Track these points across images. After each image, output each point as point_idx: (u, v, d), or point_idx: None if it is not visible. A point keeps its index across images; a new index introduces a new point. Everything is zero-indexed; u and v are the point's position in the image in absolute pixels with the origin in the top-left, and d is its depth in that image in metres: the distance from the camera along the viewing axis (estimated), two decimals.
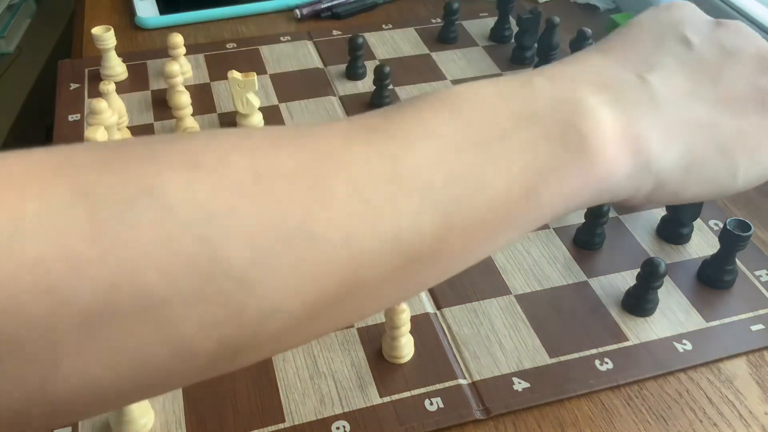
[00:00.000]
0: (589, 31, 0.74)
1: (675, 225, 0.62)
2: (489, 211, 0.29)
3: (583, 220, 0.61)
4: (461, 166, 0.28)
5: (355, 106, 0.78)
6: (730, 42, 0.37)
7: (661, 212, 0.65)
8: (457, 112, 0.30)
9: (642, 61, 0.35)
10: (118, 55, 0.82)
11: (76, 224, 0.21)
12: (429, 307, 0.56)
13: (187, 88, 0.76)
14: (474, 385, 0.51)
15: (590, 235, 0.61)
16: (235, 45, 0.88)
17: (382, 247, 0.26)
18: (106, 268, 0.21)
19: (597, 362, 0.52)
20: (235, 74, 0.69)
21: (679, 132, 0.33)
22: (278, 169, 0.25)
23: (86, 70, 0.83)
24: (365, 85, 0.81)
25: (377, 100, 0.77)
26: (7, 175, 0.21)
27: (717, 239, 0.58)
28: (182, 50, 0.79)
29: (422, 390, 0.50)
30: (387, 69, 0.75)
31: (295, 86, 0.81)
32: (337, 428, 0.48)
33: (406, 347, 0.51)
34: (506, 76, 0.34)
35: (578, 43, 0.74)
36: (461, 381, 0.51)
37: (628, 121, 0.32)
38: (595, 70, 0.34)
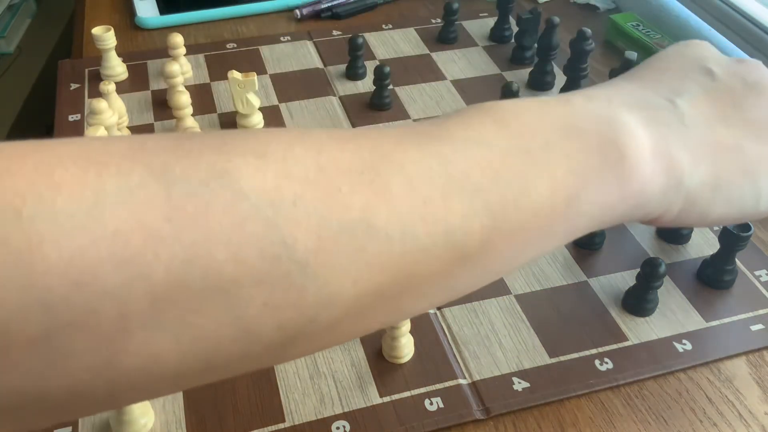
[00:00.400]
0: (589, 31, 0.74)
1: None
2: (533, 214, 0.30)
3: None
4: (508, 170, 0.30)
5: (355, 106, 0.78)
6: (750, 76, 0.39)
7: None
8: (502, 123, 0.32)
9: (669, 88, 0.37)
10: (118, 55, 0.82)
11: (153, 201, 0.22)
12: None
13: (187, 88, 0.76)
14: (474, 385, 0.51)
15: (590, 235, 0.61)
16: (235, 45, 0.88)
17: (435, 243, 0.27)
18: (179, 244, 0.22)
19: (597, 362, 0.52)
20: (235, 74, 0.69)
21: (706, 153, 0.35)
22: (339, 163, 0.26)
23: (86, 70, 0.83)
24: (365, 85, 0.81)
25: (377, 100, 0.77)
26: (86, 156, 0.22)
27: (717, 239, 0.58)
28: (182, 50, 0.79)
29: (422, 390, 0.50)
30: (387, 69, 0.75)
31: (295, 86, 0.81)
32: (337, 428, 0.48)
33: (406, 347, 0.51)
34: (544, 97, 0.36)
35: (578, 43, 0.74)
36: (461, 381, 0.51)
37: (661, 139, 0.34)
38: (627, 93, 0.36)
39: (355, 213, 0.25)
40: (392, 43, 0.89)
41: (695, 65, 0.39)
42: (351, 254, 0.25)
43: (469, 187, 0.28)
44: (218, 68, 0.83)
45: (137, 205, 0.21)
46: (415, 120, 0.76)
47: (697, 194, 0.34)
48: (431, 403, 0.49)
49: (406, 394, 0.50)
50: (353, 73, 0.82)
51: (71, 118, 0.76)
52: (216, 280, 0.22)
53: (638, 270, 0.55)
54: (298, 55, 0.86)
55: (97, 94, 0.73)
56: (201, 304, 0.22)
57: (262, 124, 0.73)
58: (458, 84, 0.81)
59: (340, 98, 0.79)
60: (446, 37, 0.89)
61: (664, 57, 0.40)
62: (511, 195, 0.29)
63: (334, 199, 0.25)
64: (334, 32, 0.91)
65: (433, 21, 0.93)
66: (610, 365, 0.52)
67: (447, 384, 0.50)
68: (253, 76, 0.69)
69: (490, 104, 0.33)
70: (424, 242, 0.27)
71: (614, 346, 0.53)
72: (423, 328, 0.54)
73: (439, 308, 0.56)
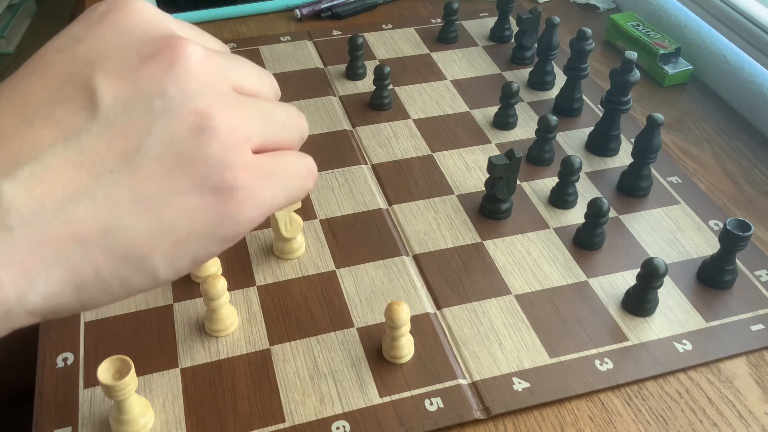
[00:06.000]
0: (589, 31, 0.74)
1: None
2: None
3: (583, 221, 0.61)
4: None
5: (355, 106, 0.78)
6: (162, 95, 0.26)
7: (665, 213, 0.65)
8: None
9: (11, 152, 0.25)
10: None
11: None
12: (429, 307, 0.56)
13: None
14: (474, 385, 0.51)
15: (590, 235, 0.61)
16: (235, 45, 0.88)
17: None
18: None
19: (597, 362, 0.52)
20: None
21: (51, 256, 0.25)
22: None
23: None
24: (365, 85, 0.81)
25: (377, 100, 0.77)
26: None
27: (717, 239, 0.58)
28: None
29: (422, 390, 0.50)
30: (387, 69, 0.75)
31: (295, 86, 0.81)
32: (337, 428, 0.48)
33: (406, 347, 0.51)
34: None
35: (578, 43, 0.74)
36: (461, 381, 0.51)
37: None
38: None
39: None
40: (392, 43, 0.89)
41: (77, 85, 0.26)
42: None
43: None
44: None
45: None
46: (414, 120, 0.76)
47: (49, 305, 0.26)
48: (431, 403, 0.49)
49: (406, 394, 0.50)
50: (353, 72, 0.82)
51: None
52: None
53: (638, 270, 0.55)
54: (298, 55, 0.86)
55: None
56: None
57: (303, 246, 0.61)
58: (458, 84, 0.81)
59: (340, 98, 0.79)
60: (446, 37, 0.89)
61: (45, 61, 0.27)
62: None
63: None
64: (334, 32, 0.91)
65: (433, 21, 0.93)
66: (610, 365, 0.52)
67: (447, 384, 0.50)
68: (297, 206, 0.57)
69: None
70: None
71: (614, 346, 0.53)
72: (423, 328, 0.54)
73: (439, 308, 0.56)
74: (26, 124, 0.25)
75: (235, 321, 0.54)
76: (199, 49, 0.27)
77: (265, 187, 0.28)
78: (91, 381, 0.50)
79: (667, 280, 0.58)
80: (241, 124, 0.28)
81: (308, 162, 0.31)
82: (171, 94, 0.26)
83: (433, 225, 0.63)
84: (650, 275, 0.54)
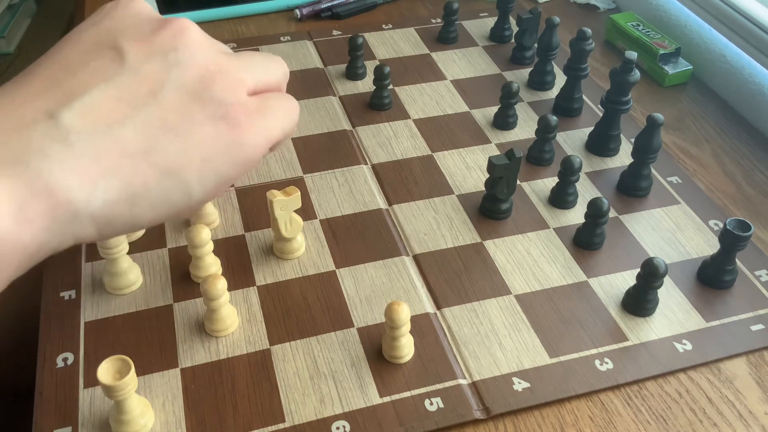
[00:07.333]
0: (589, 31, 0.74)
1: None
2: None
3: (583, 221, 0.61)
4: None
5: (355, 106, 0.78)
6: (170, 50, 0.35)
7: (665, 213, 0.65)
8: None
9: (61, 94, 0.32)
10: None
11: None
12: (429, 307, 0.56)
13: None
14: (474, 385, 0.51)
15: (590, 235, 0.61)
16: (235, 45, 0.88)
17: None
18: None
19: (597, 362, 0.52)
20: (276, 195, 0.56)
21: (107, 167, 0.31)
22: None
23: None
24: (365, 85, 0.81)
25: (377, 100, 0.77)
26: None
27: (717, 239, 0.58)
28: None
29: (422, 390, 0.50)
30: (387, 69, 0.75)
31: (295, 86, 0.81)
32: (337, 428, 0.48)
33: (406, 347, 0.51)
34: None
35: (578, 43, 0.74)
36: (461, 381, 0.51)
37: (34, 178, 0.29)
38: None
39: None
40: (392, 43, 0.89)
41: (105, 47, 0.34)
42: None
43: None
44: None
45: None
46: (415, 120, 0.76)
47: (108, 214, 0.32)
48: (431, 403, 0.49)
49: (406, 394, 0.50)
50: (353, 72, 0.82)
51: None
52: None
53: (638, 270, 0.55)
54: (298, 55, 0.86)
55: None
56: None
57: (303, 246, 0.61)
58: (458, 84, 0.81)
59: (340, 98, 0.79)
60: (446, 37, 0.89)
61: (75, 36, 0.35)
62: None
63: None
64: (334, 32, 0.91)
65: (433, 21, 0.93)
66: (610, 365, 0.52)
67: (447, 384, 0.50)
68: (296, 192, 0.57)
69: None
70: None
71: (614, 346, 0.53)
72: (423, 328, 0.54)
73: (439, 308, 0.56)
74: (71, 74, 0.33)
75: (235, 321, 0.54)
76: (197, 26, 0.36)
77: (261, 118, 0.37)
78: (91, 381, 0.50)
79: (667, 280, 0.58)
80: (236, 72, 0.36)
81: (292, 101, 0.41)
82: (180, 50, 0.35)
83: (433, 225, 0.63)
84: (650, 275, 0.54)
